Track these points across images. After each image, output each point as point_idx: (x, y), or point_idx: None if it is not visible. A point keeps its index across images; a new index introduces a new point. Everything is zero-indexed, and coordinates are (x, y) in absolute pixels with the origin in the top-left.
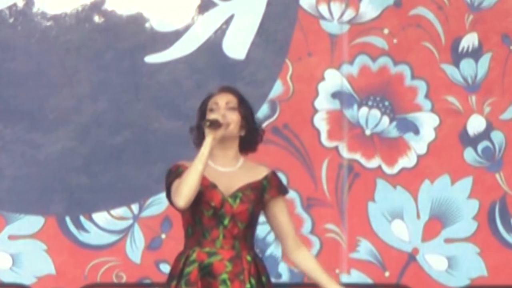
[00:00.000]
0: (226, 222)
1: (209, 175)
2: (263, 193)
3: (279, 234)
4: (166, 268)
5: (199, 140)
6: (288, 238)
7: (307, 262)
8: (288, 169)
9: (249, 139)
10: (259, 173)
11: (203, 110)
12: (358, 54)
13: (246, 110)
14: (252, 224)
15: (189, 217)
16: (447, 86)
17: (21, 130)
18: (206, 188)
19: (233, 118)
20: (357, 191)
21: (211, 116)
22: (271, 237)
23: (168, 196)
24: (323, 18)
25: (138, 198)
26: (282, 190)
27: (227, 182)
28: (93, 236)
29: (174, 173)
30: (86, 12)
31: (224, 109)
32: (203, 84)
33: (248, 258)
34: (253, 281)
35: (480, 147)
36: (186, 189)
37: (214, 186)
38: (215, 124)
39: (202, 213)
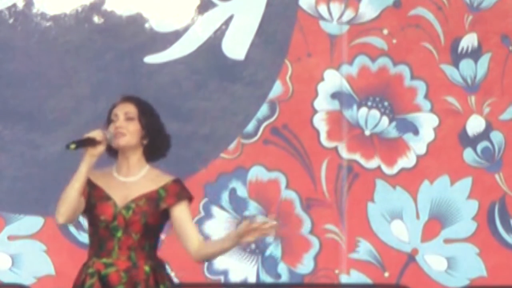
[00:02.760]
0: (119, 234)
1: (107, 186)
2: (158, 203)
3: (184, 236)
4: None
5: (108, 149)
6: (193, 239)
7: (212, 244)
8: (287, 170)
9: (154, 147)
10: (159, 182)
11: (107, 118)
12: (358, 55)
13: (147, 119)
14: (149, 234)
15: (89, 227)
16: (447, 86)
17: (21, 130)
18: (98, 201)
19: (130, 129)
20: (357, 192)
21: (89, 133)
22: (270, 237)
23: None
24: (322, 18)
25: None
26: (182, 197)
27: (125, 192)
28: None
29: None
30: (86, 13)
31: (122, 120)
32: (202, 84)
33: (146, 268)
34: None
35: (479, 147)
36: (63, 207)
37: (107, 199)
38: (84, 143)
39: (97, 225)
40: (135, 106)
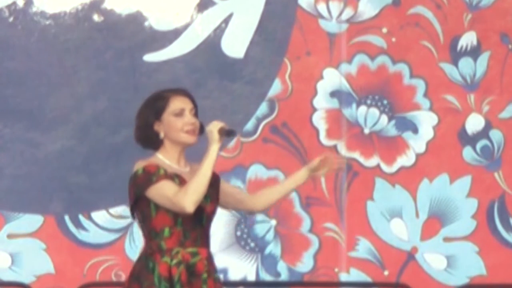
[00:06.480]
0: (204, 222)
1: (185, 177)
2: (217, 188)
3: (237, 202)
4: None
5: (151, 139)
6: (245, 199)
7: (267, 192)
8: (287, 168)
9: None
10: None
11: (159, 109)
12: (357, 53)
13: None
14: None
15: (168, 218)
16: (446, 85)
17: (21, 129)
18: None
19: (197, 126)
20: (356, 190)
21: (220, 124)
22: (270, 235)
23: (140, 196)
24: (321, 17)
25: None
26: (218, 175)
27: None
28: (92, 235)
29: (156, 175)
30: (86, 11)
31: (190, 116)
32: (202, 83)
33: (211, 256)
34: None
35: (479, 146)
36: (195, 195)
37: None
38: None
39: (185, 214)
40: (192, 102)
